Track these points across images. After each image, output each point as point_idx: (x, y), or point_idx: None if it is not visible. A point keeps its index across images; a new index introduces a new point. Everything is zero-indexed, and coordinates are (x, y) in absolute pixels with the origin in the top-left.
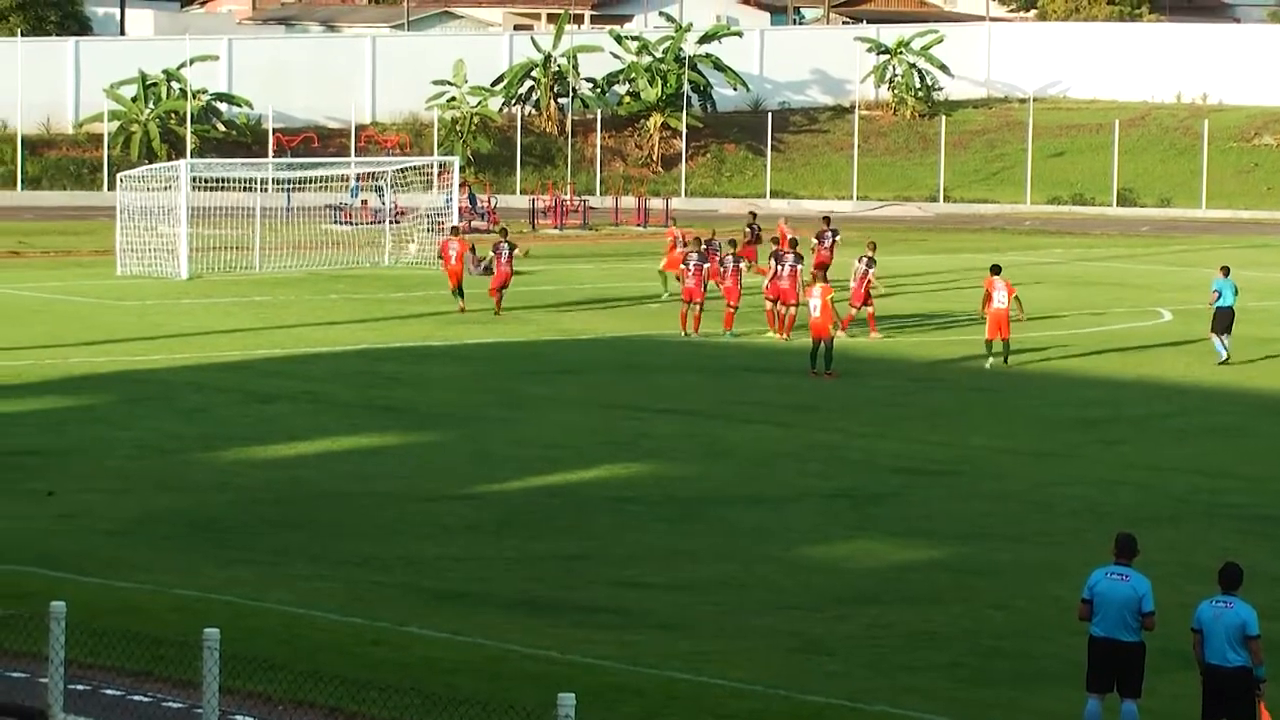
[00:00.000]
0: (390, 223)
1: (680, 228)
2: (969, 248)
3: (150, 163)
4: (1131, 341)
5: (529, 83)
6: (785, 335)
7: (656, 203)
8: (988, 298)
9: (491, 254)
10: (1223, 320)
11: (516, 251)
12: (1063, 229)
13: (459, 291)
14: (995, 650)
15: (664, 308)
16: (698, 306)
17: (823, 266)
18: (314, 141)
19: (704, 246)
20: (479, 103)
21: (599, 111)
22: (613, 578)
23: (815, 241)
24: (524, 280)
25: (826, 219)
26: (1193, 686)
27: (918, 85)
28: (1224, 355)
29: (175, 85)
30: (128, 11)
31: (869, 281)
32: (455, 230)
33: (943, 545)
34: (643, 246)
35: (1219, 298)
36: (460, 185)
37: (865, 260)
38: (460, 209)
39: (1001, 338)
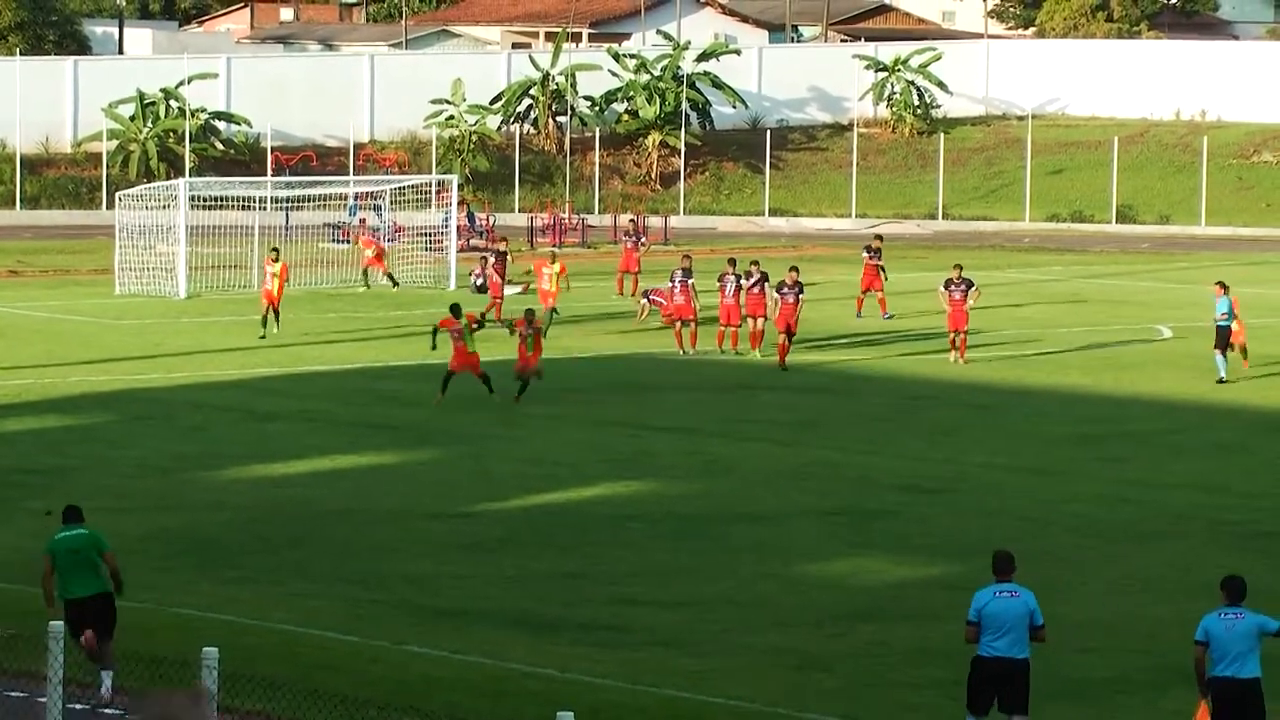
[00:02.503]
0: (388, 241)
1: (370, 230)
2: (968, 265)
3: (149, 181)
4: (1131, 358)
5: (527, 101)
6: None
7: (655, 220)
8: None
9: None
10: (1223, 337)
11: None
12: (1062, 246)
13: (265, 319)
14: None
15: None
16: (692, 324)
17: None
18: (312, 160)
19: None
20: (477, 121)
21: (597, 130)
22: (613, 595)
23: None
24: (523, 299)
25: (878, 237)
26: (1190, 705)
27: (916, 103)
28: (1223, 374)
29: (173, 104)
30: (126, 31)
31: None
32: (276, 252)
33: (941, 562)
34: (644, 265)
35: (1225, 317)
36: (459, 204)
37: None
38: (459, 227)
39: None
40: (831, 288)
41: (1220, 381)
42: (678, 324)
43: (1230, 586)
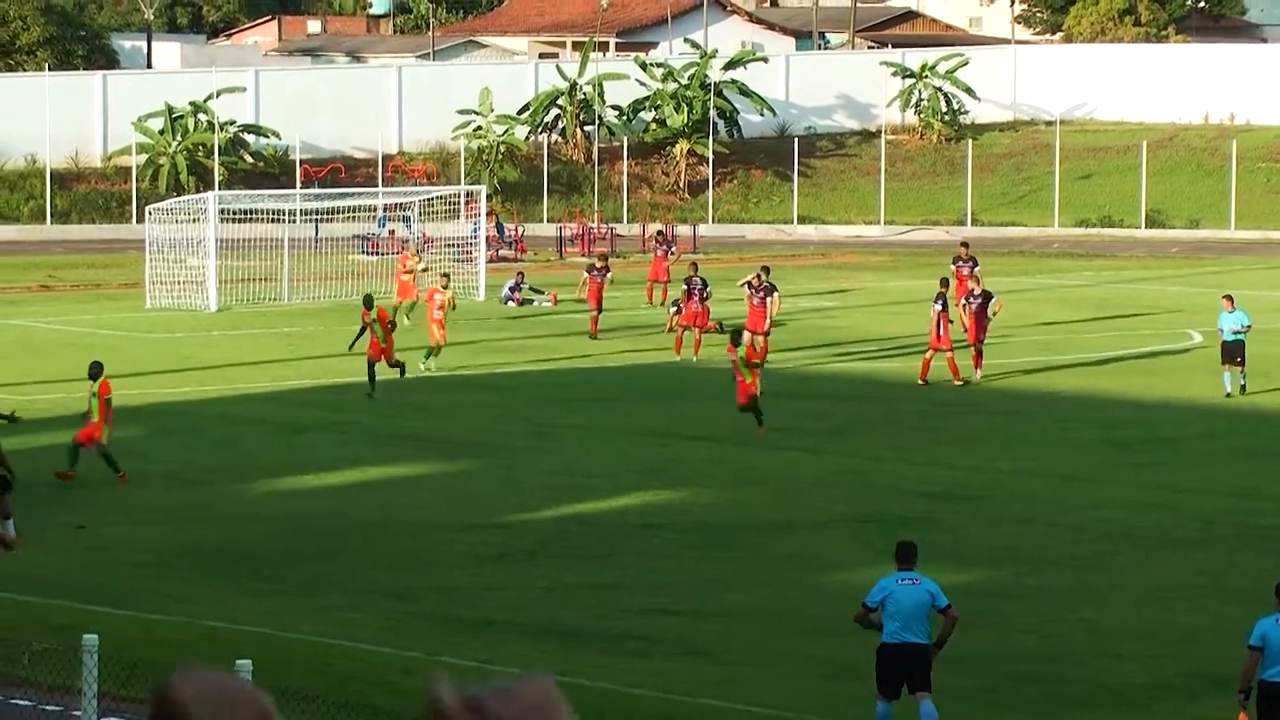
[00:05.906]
0: (417, 252)
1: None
2: (997, 271)
3: (178, 195)
4: (1161, 363)
5: (555, 111)
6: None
7: (684, 229)
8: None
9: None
10: (1229, 352)
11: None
12: (1091, 251)
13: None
14: (1026, 674)
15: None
16: (697, 331)
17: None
18: (341, 172)
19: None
20: (505, 131)
21: (625, 139)
22: (644, 605)
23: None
24: (550, 310)
25: (964, 244)
26: (1225, 711)
27: (944, 109)
28: (1228, 389)
29: (202, 117)
30: (154, 45)
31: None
32: (446, 278)
33: (972, 569)
34: (673, 273)
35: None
36: (487, 214)
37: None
38: (488, 238)
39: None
40: (860, 295)
41: (1230, 395)
42: (697, 333)
43: None
